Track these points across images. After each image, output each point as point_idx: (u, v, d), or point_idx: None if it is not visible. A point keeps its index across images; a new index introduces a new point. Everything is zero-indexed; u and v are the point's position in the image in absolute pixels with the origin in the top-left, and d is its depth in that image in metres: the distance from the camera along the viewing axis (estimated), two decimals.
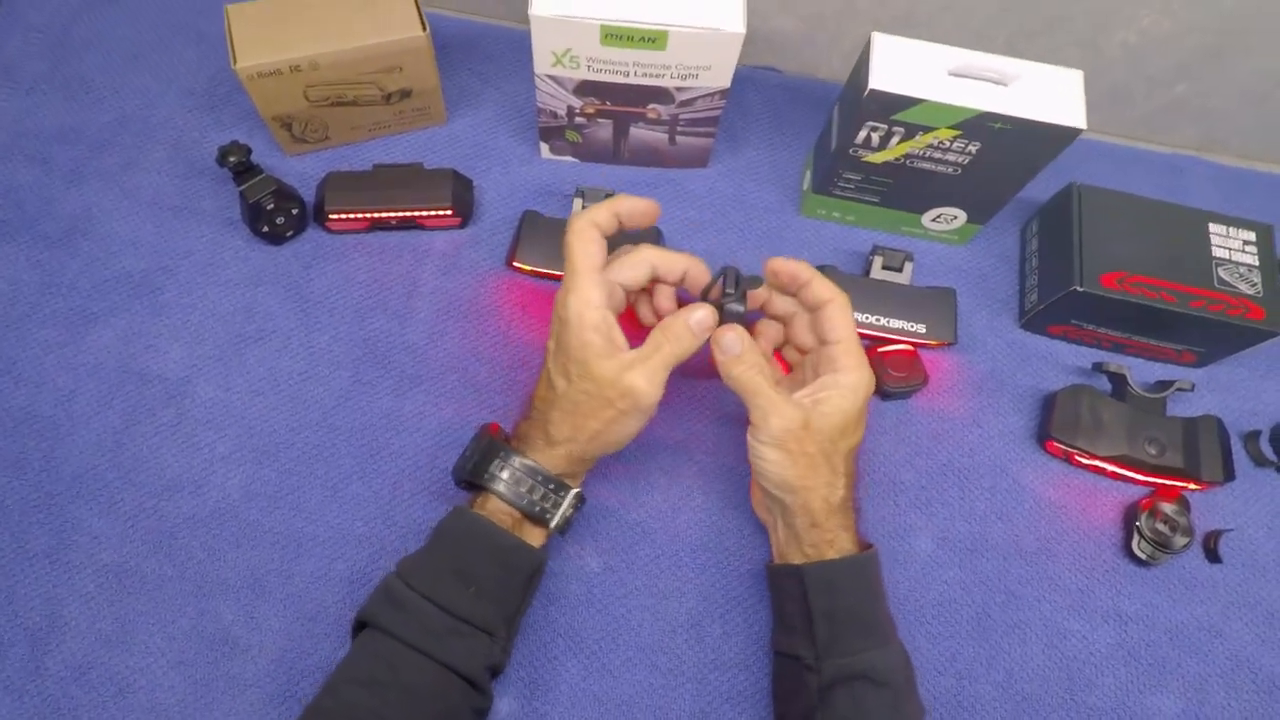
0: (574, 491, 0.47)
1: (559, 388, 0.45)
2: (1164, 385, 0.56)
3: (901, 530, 0.54)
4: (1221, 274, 0.53)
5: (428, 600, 0.43)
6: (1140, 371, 0.58)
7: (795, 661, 0.45)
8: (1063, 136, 0.48)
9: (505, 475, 0.45)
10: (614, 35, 0.49)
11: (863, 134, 0.51)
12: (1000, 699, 0.50)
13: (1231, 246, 0.54)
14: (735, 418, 0.56)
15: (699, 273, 0.48)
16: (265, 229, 0.57)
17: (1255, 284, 0.53)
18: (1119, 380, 0.56)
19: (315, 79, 0.55)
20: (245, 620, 0.49)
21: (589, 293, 0.44)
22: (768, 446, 0.44)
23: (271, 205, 0.57)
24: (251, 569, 0.51)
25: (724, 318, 0.45)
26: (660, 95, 0.54)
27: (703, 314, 0.44)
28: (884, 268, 0.58)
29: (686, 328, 0.44)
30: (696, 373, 0.56)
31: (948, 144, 0.51)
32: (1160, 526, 0.52)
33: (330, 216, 0.58)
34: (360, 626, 0.44)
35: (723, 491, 0.54)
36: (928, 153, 0.52)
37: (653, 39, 0.49)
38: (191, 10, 0.67)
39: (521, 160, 0.64)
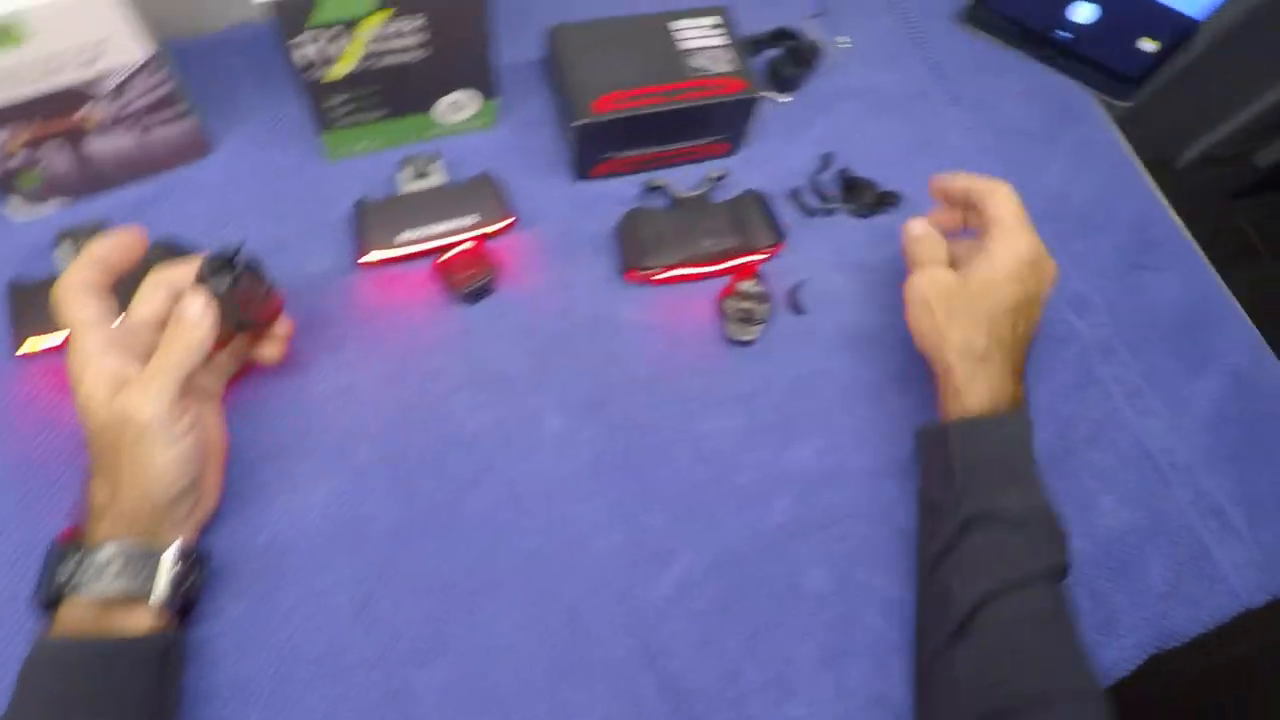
0: (169, 551, 0.41)
1: (91, 456, 0.41)
2: (704, 181, 0.59)
3: (528, 418, 0.53)
4: (694, 63, 0.56)
5: None
6: (689, 177, 0.61)
7: (935, 508, 0.48)
8: None
9: (79, 575, 0.39)
10: None
11: (301, 54, 0.49)
12: (665, 521, 0.52)
13: (698, 35, 0.57)
14: (331, 394, 0.52)
15: None
16: None
17: (729, 60, 0.57)
18: (665, 191, 0.58)
19: None
20: None
21: (84, 347, 0.41)
22: (909, 304, 0.51)
23: None
24: None
25: (211, 283, 0.42)
26: (78, 98, 0.49)
27: (194, 303, 0.41)
28: (416, 177, 0.56)
29: (180, 324, 0.41)
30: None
31: (392, 27, 0.49)
32: (743, 305, 0.56)
33: None
34: None
35: (341, 469, 0.50)
36: (383, 46, 0.50)
37: (9, 33, 0.43)
38: None
39: None
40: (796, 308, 0.58)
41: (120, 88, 0.50)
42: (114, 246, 0.43)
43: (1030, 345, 0.51)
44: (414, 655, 0.47)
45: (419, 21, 0.49)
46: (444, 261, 0.55)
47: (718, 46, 0.57)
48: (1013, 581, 0.44)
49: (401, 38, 0.50)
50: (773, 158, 0.63)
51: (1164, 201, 0.68)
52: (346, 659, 0.47)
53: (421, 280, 0.56)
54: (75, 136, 0.51)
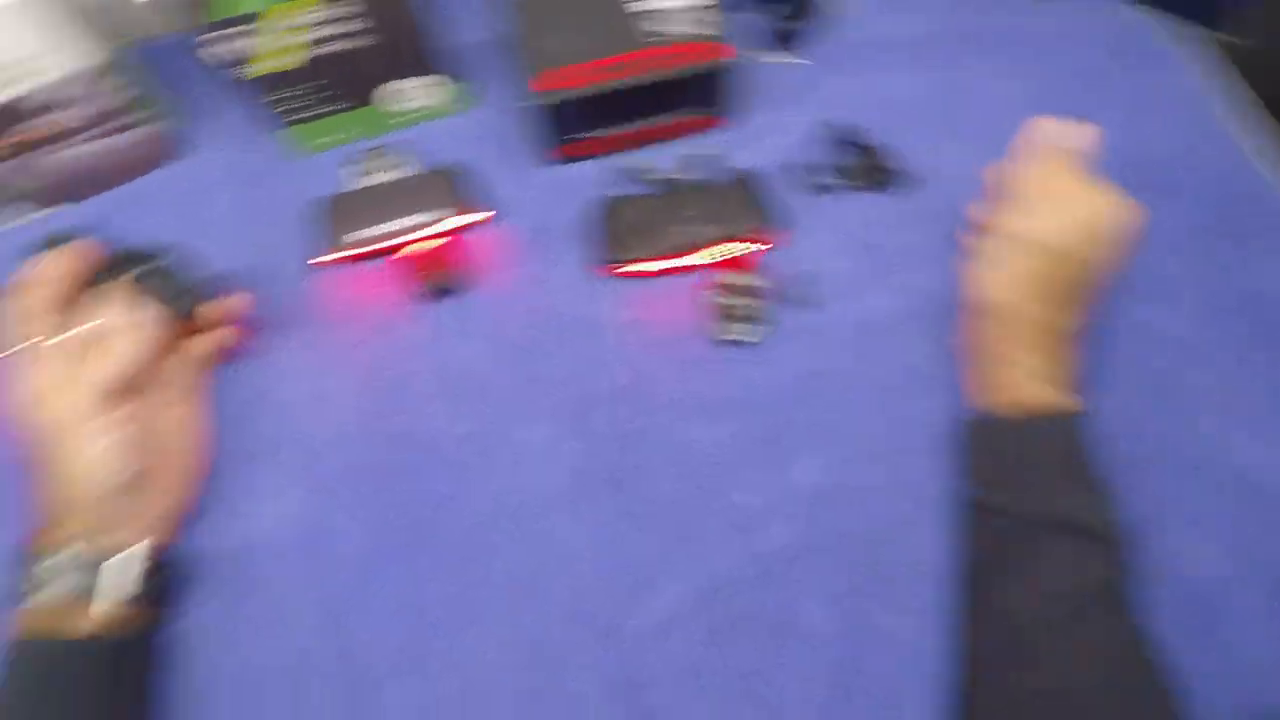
0: (113, 560, 0.41)
1: (36, 460, 0.43)
2: (692, 161, 0.52)
3: (507, 428, 0.49)
4: (658, 26, 0.49)
5: None
6: (674, 155, 0.54)
7: (983, 508, 0.42)
8: None
9: (36, 578, 0.40)
10: None
11: (214, 52, 0.45)
12: (652, 543, 0.46)
13: None
14: (303, 398, 0.50)
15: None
16: None
17: (701, 20, 0.49)
18: (648, 175, 0.52)
19: None
20: None
21: (32, 362, 0.43)
22: (988, 259, 0.44)
23: None
24: None
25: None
26: (35, 108, 0.47)
27: (117, 310, 0.43)
28: (368, 173, 0.52)
29: (105, 331, 0.43)
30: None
31: (323, 17, 0.45)
32: (733, 300, 0.49)
33: None
34: None
35: (310, 478, 0.48)
36: (318, 34, 0.46)
37: None
38: None
39: None
40: (799, 301, 0.51)
41: (76, 98, 0.48)
42: (61, 266, 0.44)
43: (1086, 321, 0.45)
44: (381, 675, 0.44)
45: (350, 8, 0.45)
46: (406, 258, 0.51)
47: (689, 5, 0.49)
48: (1087, 599, 0.38)
49: (337, 25, 0.46)
50: (776, 129, 0.56)
51: (1265, 156, 0.56)
52: (313, 672, 0.44)
53: (390, 278, 0.52)
54: (38, 148, 0.50)
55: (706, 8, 0.49)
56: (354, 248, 0.51)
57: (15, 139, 0.48)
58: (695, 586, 0.46)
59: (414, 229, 0.51)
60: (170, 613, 0.45)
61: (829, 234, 0.53)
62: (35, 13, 0.43)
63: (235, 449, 0.49)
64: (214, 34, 0.44)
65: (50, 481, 0.42)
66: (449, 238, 0.52)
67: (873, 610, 0.45)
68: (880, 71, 0.58)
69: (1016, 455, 0.41)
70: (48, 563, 0.40)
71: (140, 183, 0.56)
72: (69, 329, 0.43)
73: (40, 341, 0.42)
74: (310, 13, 0.44)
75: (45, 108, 0.47)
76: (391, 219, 0.51)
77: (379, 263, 0.52)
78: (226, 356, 0.50)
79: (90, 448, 0.41)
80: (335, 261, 0.52)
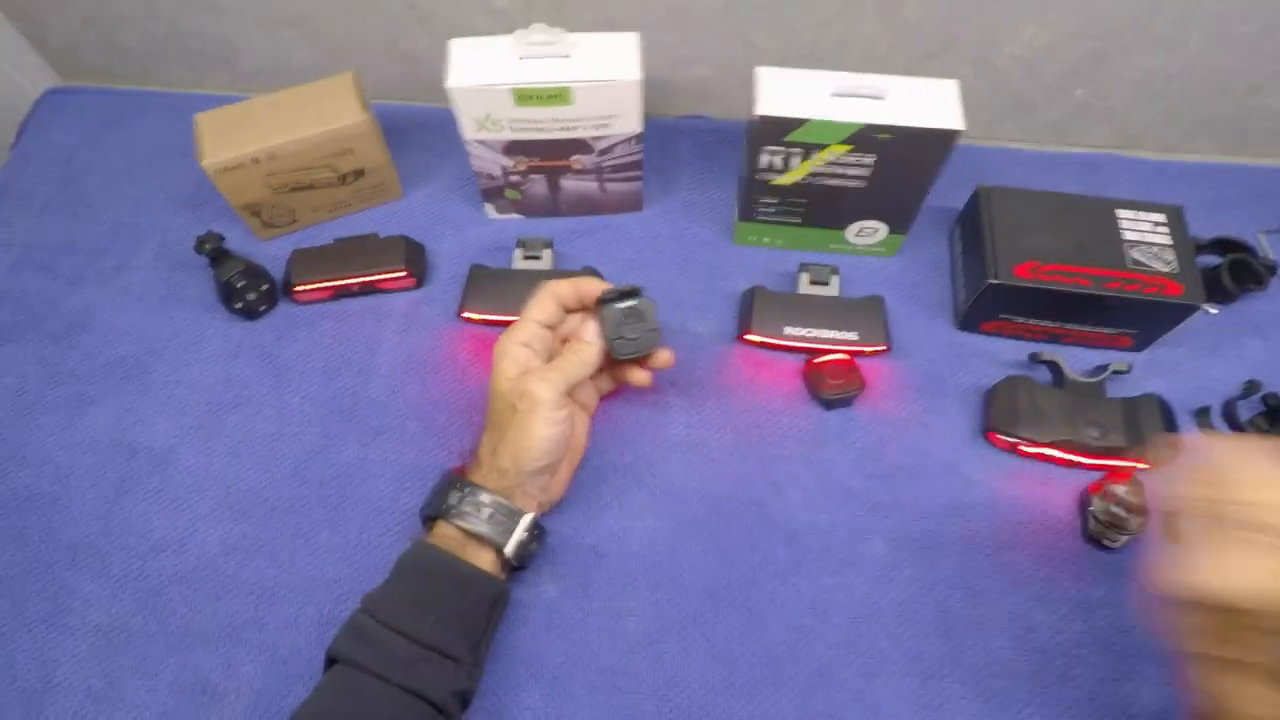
0: (527, 517, 0.49)
1: (488, 415, 0.50)
2: (1102, 370, 0.56)
3: (855, 534, 0.54)
4: (1134, 255, 0.54)
5: (392, 630, 0.45)
6: (1080, 360, 0.59)
7: None
8: (944, 139, 0.51)
9: (459, 505, 0.48)
10: (526, 96, 0.54)
11: (764, 159, 0.55)
12: (968, 696, 0.49)
13: (1142, 229, 0.56)
14: (683, 442, 0.58)
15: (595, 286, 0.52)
16: (238, 305, 0.63)
17: (1170, 262, 0.54)
18: (1055, 368, 0.56)
19: (274, 168, 0.61)
20: (223, 668, 0.52)
21: (515, 332, 0.51)
22: None
23: (242, 283, 0.62)
24: (228, 619, 0.53)
25: (604, 311, 0.50)
26: (580, 146, 0.59)
27: (594, 329, 0.50)
28: (812, 283, 0.60)
29: (581, 341, 0.50)
30: (637, 395, 0.59)
31: (845, 159, 0.54)
32: (1113, 508, 0.52)
33: (296, 288, 0.63)
34: (331, 663, 0.46)
35: (671, 510, 0.55)
36: (830, 169, 0.55)
37: (560, 95, 0.54)
38: (177, 130, 0.73)
39: (471, 223, 0.69)
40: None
41: (609, 149, 0.60)
42: (589, 288, 0.51)
43: None
44: (687, 709, 0.49)
45: (870, 159, 0.54)
46: (816, 364, 0.58)
47: (1160, 244, 0.55)
48: None
49: (848, 168, 0.55)
50: (1182, 367, 0.59)
51: None
52: (628, 682, 0.50)
53: (788, 373, 0.60)
54: (558, 173, 0.62)
55: (1178, 253, 0.54)
56: (777, 338, 0.58)
57: (549, 164, 0.61)
58: None
59: (832, 342, 0.58)
60: (522, 578, 0.53)
61: None
62: (626, 90, 0.55)
63: (614, 464, 0.57)
64: (778, 147, 0.54)
65: (498, 439, 0.49)
66: (857, 358, 0.58)
67: None
68: None
69: None
70: (481, 498, 0.48)
71: (607, 220, 0.68)
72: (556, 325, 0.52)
73: (533, 322, 0.50)
74: (838, 155, 0.54)
75: (581, 149, 0.60)
76: (816, 327, 0.58)
77: (791, 357, 0.60)
78: (628, 391, 0.58)
79: (544, 429, 0.48)
80: (756, 344, 0.60)
